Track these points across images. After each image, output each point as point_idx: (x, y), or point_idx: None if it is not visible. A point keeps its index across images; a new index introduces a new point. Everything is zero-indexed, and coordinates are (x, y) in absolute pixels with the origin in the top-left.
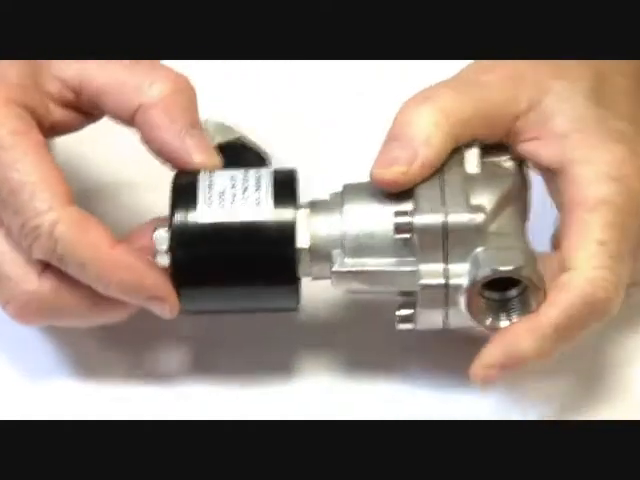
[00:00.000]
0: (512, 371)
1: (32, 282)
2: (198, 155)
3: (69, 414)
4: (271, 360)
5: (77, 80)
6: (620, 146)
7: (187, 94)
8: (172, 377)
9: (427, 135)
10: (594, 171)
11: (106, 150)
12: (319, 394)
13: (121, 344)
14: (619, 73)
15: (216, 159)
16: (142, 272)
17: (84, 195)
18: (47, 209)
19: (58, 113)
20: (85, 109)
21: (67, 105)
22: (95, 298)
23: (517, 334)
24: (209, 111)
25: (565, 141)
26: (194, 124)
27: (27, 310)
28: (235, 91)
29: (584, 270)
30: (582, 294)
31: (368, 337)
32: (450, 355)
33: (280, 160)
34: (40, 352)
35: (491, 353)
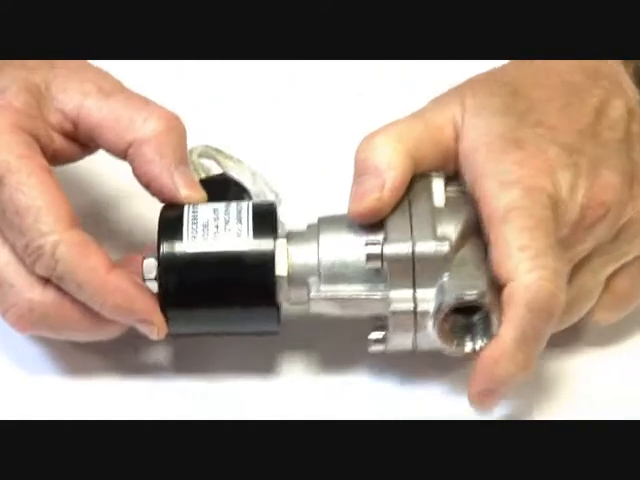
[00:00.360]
0: (504, 391)
1: (35, 292)
2: (184, 190)
3: (62, 414)
4: (254, 359)
5: (76, 113)
6: (520, 151)
7: (177, 132)
8: (156, 376)
9: (388, 160)
10: (497, 181)
11: (112, 159)
12: (300, 392)
13: (108, 344)
14: (540, 85)
15: (201, 194)
16: (133, 297)
17: (92, 204)
18: (50, 231)
19: (59, 142)
20: (82, 141)
21: (67, 136)
22: (92, 313)
23: (489, 361)
24: (207, 111)
25: (473, 158)
26: (182, 161)
27: (28, 318)
28: (235, 91)
29: (518, 279)
30: (525, 303)
31: (347, 338)
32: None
33: (280, 161)
34: (34, 351)
35: (476, 384)
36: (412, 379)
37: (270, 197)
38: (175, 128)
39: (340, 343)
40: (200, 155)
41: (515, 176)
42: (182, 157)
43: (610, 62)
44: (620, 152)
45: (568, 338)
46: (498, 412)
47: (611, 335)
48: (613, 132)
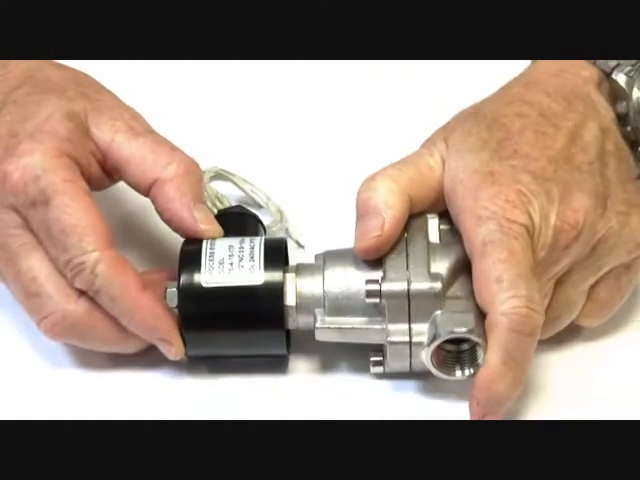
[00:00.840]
0: (502, 411)
1: (71, 301)
2: (202, 225)
3: (59, 413)
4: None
5: (107, 145)
6: (494, 186)
7: (196, 175)
8: (164, 378)
9: (385, 200)
10: (475, 217)
11: None
12: (303, 392)
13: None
14: (516, 115)
15: (217, 228)
16: (159, 317)
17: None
18: (92, 250)
19: (95, 168)
20: (108, 172)
21: (98, 164)
22: (119, 327)
23: (482, 387)
24: (207, 111)
25: (454, 195)
26: (199, 199)
27: (61, 326)
28: (235, 91)
29: (497, 308)
30: (503, 328)
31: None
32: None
33: (280, 161)
34: (34, 353)
35: (476, 409)
36: (412, 380)
37: (277, 216)
38: (194, 172)
39: (342, 344)
40: (213, 177)
41: (490, 211)
42: (199, 196)
43: (585, 82)
44: (592, 173)
45: (565, 335)
46: None
47: (609, 335)
48: (586, 154)
